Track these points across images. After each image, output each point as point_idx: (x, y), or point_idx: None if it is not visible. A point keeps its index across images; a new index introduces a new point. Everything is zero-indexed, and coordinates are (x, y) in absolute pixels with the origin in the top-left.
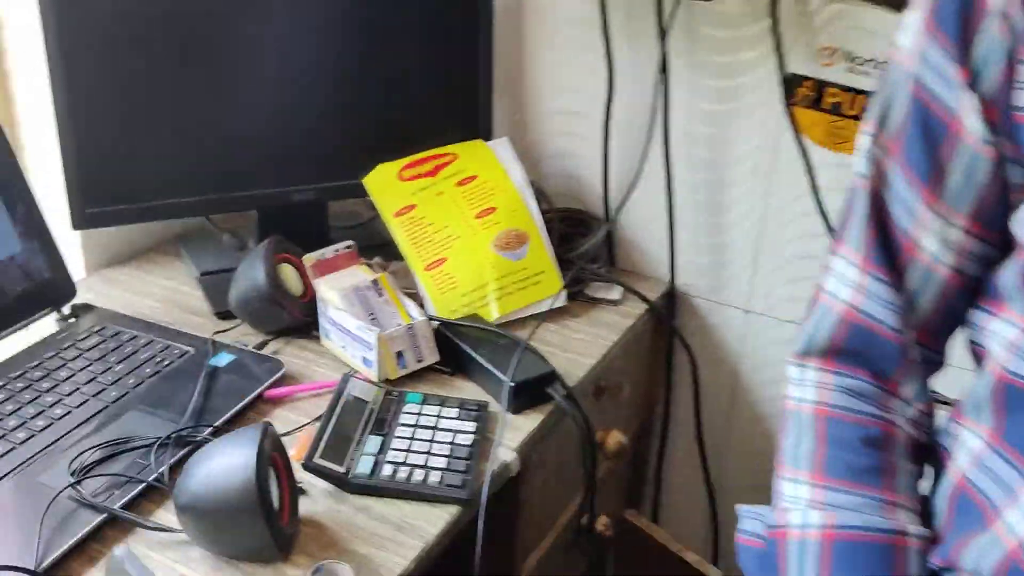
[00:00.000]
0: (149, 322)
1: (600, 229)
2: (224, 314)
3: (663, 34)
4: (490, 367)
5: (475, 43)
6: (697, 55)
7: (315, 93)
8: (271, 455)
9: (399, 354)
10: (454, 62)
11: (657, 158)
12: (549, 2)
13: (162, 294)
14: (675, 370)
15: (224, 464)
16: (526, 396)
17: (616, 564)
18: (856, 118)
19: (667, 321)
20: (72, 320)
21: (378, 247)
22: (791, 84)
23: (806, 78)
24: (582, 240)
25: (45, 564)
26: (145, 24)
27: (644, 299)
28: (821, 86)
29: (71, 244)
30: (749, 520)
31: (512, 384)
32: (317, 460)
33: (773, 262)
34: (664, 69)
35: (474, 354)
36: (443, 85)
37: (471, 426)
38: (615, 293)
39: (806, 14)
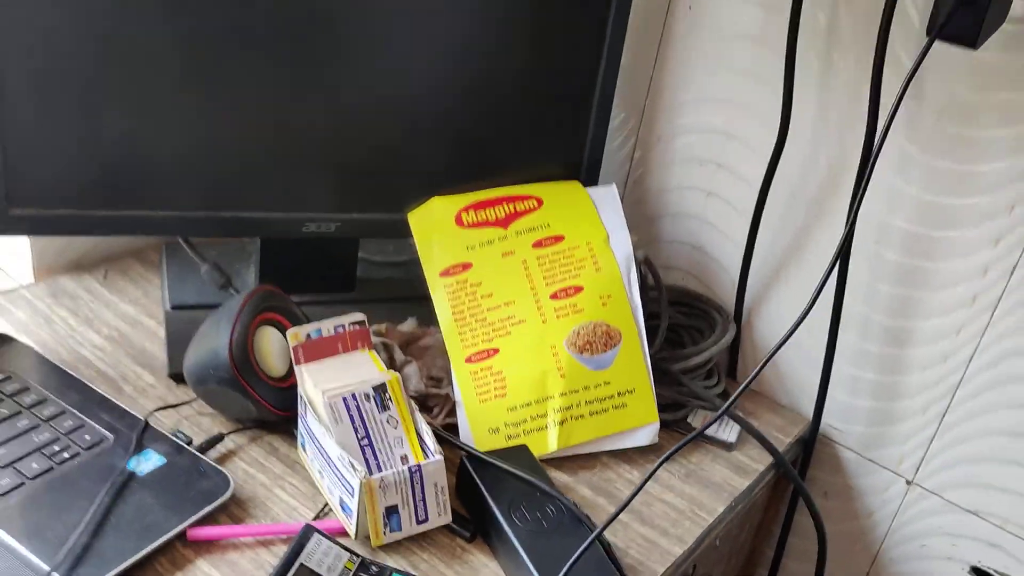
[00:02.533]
0: (73, 377)
1: (726, 332)
2: (181, 377)
3: (878, 79)
4: (523, 553)
5: (598, 53)
6: (937, 122)
7: (369, 90)
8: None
9: (390, 510)
10: (567, 74)
11: (828, 249)
12: (714, 5)
13: (117, 325)
14: (793, 534)
15: None
16: None
17: None
18: None
19: (795, 479)
20: None
21: (421, 300)
22: None
23: None
24: (699, 344)
25: None
26: None
27: (774, 452)
28: None
29: (15, 241)
30: None
31: None
32: None
33: (964, 428)
34: (873, 128)
35: (504, 522)
36: (546, 102)
37: None
38: (730, 433)
39: None
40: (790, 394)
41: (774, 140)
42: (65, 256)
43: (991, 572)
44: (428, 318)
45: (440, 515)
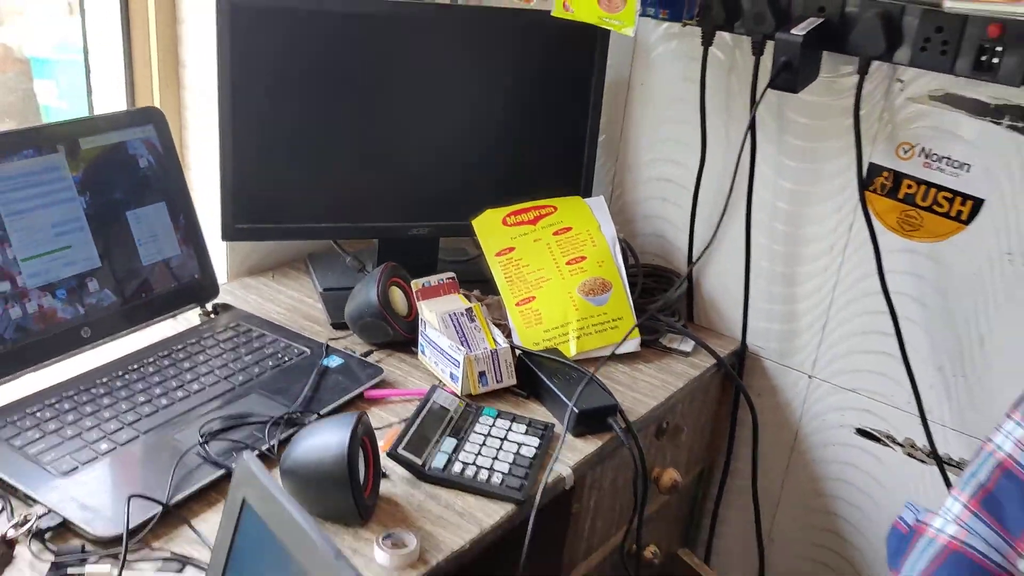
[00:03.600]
0: (275, 324)
1: (680, 284)
2: (339, 325)
3: (753, 119)
4: (559, 393)
5: (586, 114)
6: (784, 138)
7: (442, 145)
8: (362, 438)
9: (481, 374)
10: (566, 128)
11: (740, 228)
12: (657, 82)
13: (289, 303)
14: (739, 424)
15: (323, 440)
16: (588, 423)
17: None
18: (928, 209)
19: (734, 377)
20: (213, 316)
21: (478, 282)
22: (870, 173)
23: (885, 169)
24: (663, 295)
25: (174, 501)
26: (307, 66)
27: (714, 354)
28: (898, 177)
29: (218, 252)
30: (908, 511)
31: (576, 410)
32: (400, 451)
33: (838, 334)
34: (753, 148)
35: (547, 381)
36: (554, 148)
37: (535, 441)
38: (687, 345)
39: (890, 110)
40: (728, 325)
41: (698, 160)
42: (246, 265)
43: (868, 430)
44: (486, 290)
45: (510, 377)
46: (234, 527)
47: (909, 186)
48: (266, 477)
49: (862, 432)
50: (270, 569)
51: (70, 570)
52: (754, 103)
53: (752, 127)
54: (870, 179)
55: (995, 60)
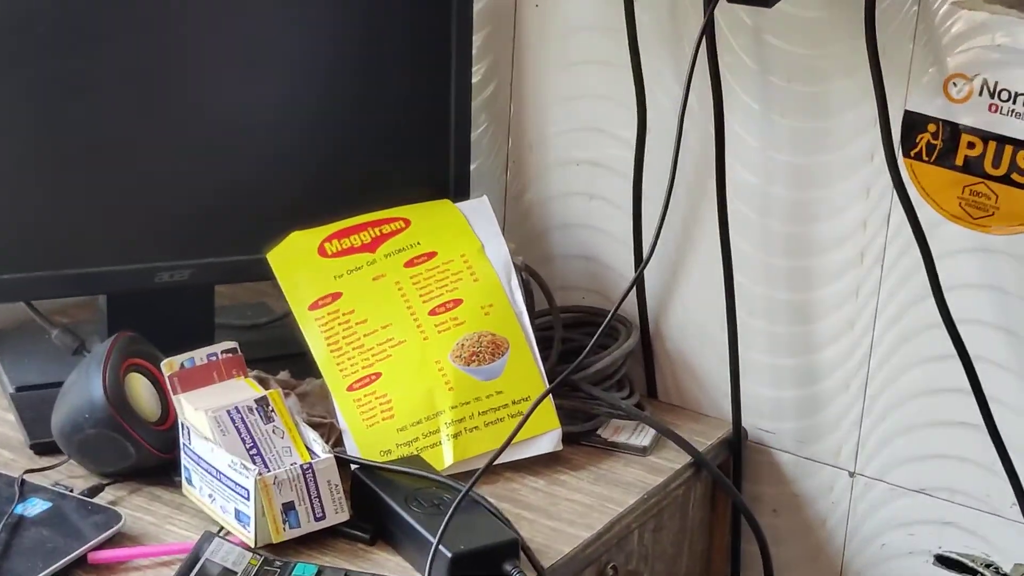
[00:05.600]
0: None
1: (627, 339)
2: (44, 446)
3: (713, 47)
4: (420, 529)
5: (446, 60)
6: (768, 81)
7: (214, 131)
8: None
9: (288, 507)
10: (420, 87)
11: (712, 235)
12: (554, 5)
13: None
14: (743, 564)
15: None
16: (471, 573)
17: None
18: (1005, 180)
19: (726, 485)
20: None
21: (285, 357)
22: (908, 128)
23: (930, 119)
24: (601, 355)
25: None
26: None
27: (689, 448)
28: (953, 131)
29: None
30: None
31: (448, 554)
32: None
33: (889, 397)
34: (718, 100)
35: (402, 512)
36: (401, 121)
37: None
38: (643, 437)
39: (928, 27)
40: (710, 398)
41: (636, 127)
42: None
43: (954, 557)
44: (301, 371)
45: (337, 512)
46: None
47: (971, 144)
48: None
49: (944, 560)
50: None
51: None
52: (707, 15)
53: (714, 64)
54: (909, 137)
55: None
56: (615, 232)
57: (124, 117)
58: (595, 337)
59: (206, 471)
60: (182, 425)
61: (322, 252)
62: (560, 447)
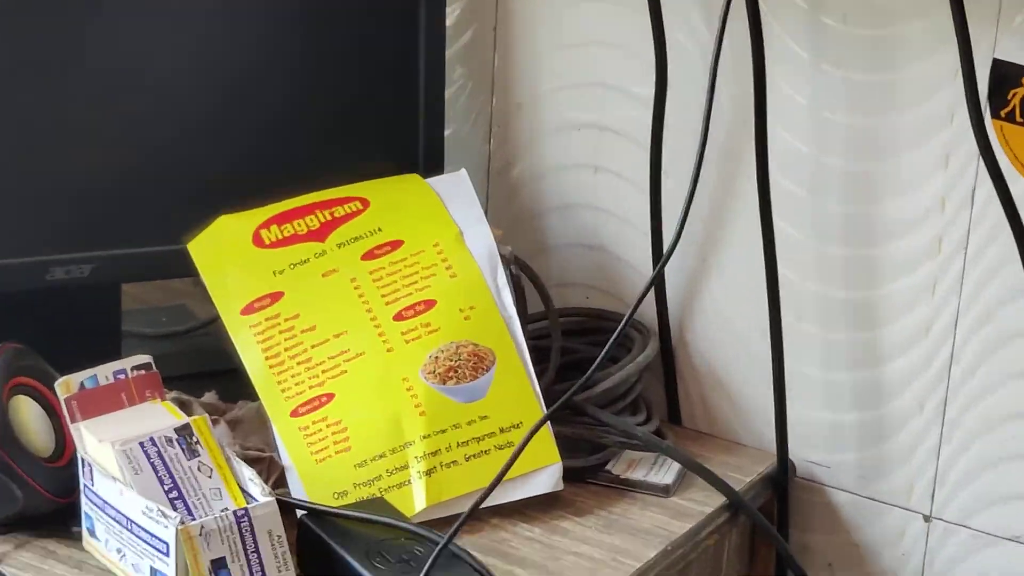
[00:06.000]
0: None
1: (643, 350)
2: None
3: None
4: None
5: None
6: (820, 23)
7: (93, 78)
8: None
9: (218, 565)
10: (375, 32)
11: (751, 217)
12: None
13: None
14: None
15: None
16: None
17: None
18: None
19: (770, 533)
20: None
21: (218, 375)
22: (997, 82)
23: None
24: (610, 369)
25: None
26: None
27: (721, 486)
28: None
29: None
30: None
31: None
32: None
33: (973, 422)
34: (758, 50)
35: (361, 569)
36: (346, 65)
37: None
38: (665, 473)
39: None
40: (751, 428)
41: (655, 84)
42: None
43: None
44: (232, 392)
45: (281, 570)
46: None
47: None
48: None
49: None
50: None
51: None
52: None
53: (753, 2)
54: (998, 93)
55: None
56: (627, 214)
57: None
58: (606, 349)
59: (113, 520)
60: (82, 461)
61: (258, 241)
62: (561, 486)
